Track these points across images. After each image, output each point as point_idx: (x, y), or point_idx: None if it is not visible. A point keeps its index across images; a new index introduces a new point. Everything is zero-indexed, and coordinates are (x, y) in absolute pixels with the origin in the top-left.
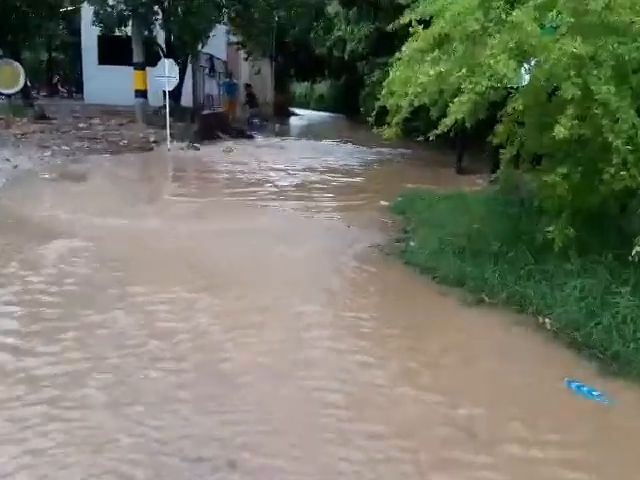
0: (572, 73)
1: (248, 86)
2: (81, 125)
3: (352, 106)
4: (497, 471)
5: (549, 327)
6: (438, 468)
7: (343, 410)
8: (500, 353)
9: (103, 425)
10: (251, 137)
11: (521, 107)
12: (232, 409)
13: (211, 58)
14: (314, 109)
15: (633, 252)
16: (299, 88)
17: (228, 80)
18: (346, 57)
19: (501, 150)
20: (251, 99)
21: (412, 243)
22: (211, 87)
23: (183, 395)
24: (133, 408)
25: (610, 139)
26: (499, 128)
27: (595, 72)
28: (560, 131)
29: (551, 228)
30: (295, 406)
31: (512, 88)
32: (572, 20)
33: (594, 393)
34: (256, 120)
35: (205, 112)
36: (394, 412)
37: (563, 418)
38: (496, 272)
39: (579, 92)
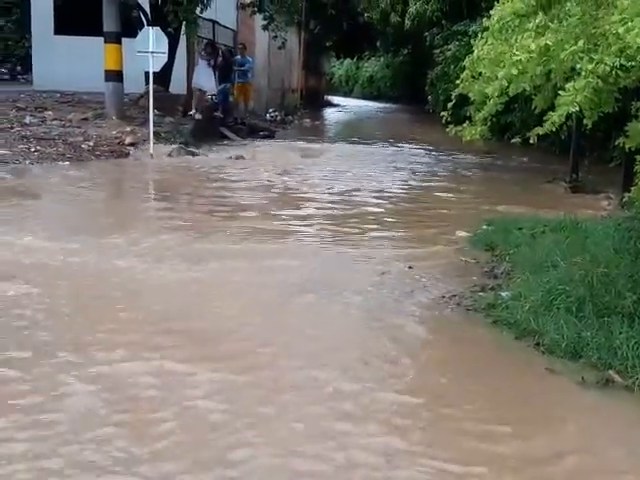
0: None
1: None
2: (27, 120)
3: (415, 93)
4: None
5: None
6: None
7: None
8: None
9: None
10: (270, 136)
11: None
12: None
13: (214, 27)
14: (360, 97)
15: None
16: (339, 68)
17: (238, 57)
18: (408, 23)
19: (638, 158)
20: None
21: (504, 294)
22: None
23: None
24: None
25: None
26: (634, 126)
27: None
28: None
29: None
30: None
31: None
32: None
33: None
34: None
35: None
36: None
37: None
38: (632, 339)
39: None
